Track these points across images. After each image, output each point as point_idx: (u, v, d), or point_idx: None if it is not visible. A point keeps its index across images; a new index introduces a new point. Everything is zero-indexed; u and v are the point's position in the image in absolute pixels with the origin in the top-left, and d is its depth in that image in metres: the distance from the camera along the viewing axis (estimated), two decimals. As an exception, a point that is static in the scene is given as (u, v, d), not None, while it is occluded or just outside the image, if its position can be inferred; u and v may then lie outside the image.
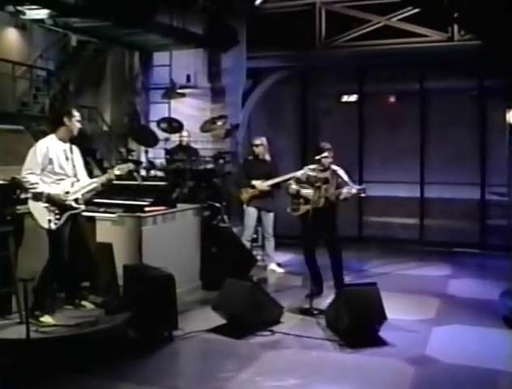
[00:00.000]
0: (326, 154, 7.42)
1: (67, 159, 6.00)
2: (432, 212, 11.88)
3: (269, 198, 9.04)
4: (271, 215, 9.11)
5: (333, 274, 7.55)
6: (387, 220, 12.22)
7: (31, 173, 5.78)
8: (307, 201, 7.37)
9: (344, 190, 7.18)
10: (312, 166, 7.57)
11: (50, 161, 5.87)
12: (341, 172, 7.51)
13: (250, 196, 9.00)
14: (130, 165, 6.47)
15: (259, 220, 9.19)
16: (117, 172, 6.22)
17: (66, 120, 6.02)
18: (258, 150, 9.07)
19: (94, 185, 6.15)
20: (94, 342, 5.58)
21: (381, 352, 5.72)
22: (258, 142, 9.10)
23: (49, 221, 5.75)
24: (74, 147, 6.16)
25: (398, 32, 11.42)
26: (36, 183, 5.76)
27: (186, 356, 5.96)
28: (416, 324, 6.60)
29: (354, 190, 7.16)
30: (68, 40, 13.64)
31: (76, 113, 6.09)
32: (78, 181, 6.05)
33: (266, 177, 8.94)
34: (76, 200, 5.97)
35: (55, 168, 5.90)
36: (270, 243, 9.20)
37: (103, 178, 6.23)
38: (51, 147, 5.92)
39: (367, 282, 6.92)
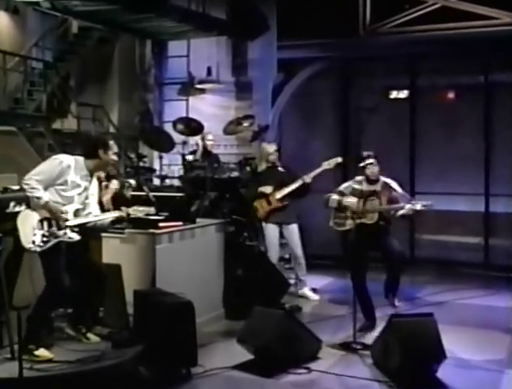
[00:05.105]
0: (371, 161, 7.41)
1: (85, 190, 6.07)
2: (499, 230, 11.77)
3: (290, 209, 9.06)
4: (294, 227, 9.08)
5: (386, 287, 7.64)
6: (444, 239, 12.13)
7: (36, 180, 5.80)
8: (354, 214, 7.34)
9: (407, 207, 7.14)
10: (358, 178, 7.58)
11: (65, 182, 5.93)
12: (394, 184, 7.51)
13: (267, 212, 8.98)
14: (152, 210, 6.52)
15: (283, 237, 9.17)
16: (131, 212, 6.31)
17: (101, 153, 6.09)
18: (274, 157, 9.13)
19: (101, 220, 6.22)
20: (99, 381, 5.58)
21: (440, 398, 5.69)
22: (274, 148, 9.17)
23: (33, 242, 5.77)
24: (94, 179, 6.27)
25: (458, 15, 11.37)
26: (37, 188, 5.77)
27: (207, 397, 5.98)
28: (483, 365, 6.49)
29: (418, 206, 7.09)
30: (68, 27, 13.84)
31: (114, 146, 6.22)
32: (84, 210, 6.10)
33: (281, 187, 8.95)
34: (72, 228, 5.96)
35: (66, 191, 5.94)
36: (301, 266, 9.15)
37: (113, 215, 6.30)
38: (73, 169, 5.98)
39: (421, 312, 6.89)
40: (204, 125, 10.40)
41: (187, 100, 11.97)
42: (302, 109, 12.96)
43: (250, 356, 6.36)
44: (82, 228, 6.06)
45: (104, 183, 7.09)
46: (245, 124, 10.59)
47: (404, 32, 11.89)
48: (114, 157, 6.28)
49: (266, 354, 6.20)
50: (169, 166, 11.06)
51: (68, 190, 5.96)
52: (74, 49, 13.69)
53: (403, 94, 12.60)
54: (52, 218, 5.84)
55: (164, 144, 10.36)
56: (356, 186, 7.54)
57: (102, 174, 6.98)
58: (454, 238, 12.06)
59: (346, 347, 6.84)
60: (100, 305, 6.73)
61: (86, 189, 6.10)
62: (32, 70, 13.52)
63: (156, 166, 10.97)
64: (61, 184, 5.92)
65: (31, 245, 5.79)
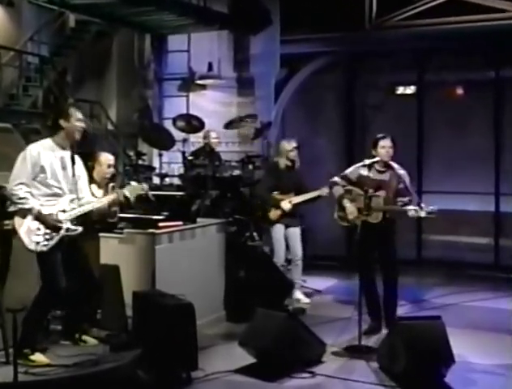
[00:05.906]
0: (384, 143, 7.33)
1: (64, 168, 5.95)
2: (509, 230, 11.77)
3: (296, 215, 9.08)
4: (297, 230, 9.06)
5: (384, 304, 7.55)
6: (453, 239, 12.13)
7: (20, 184, 5.73)
8: (359, 210, 7.32)
9: (411, 212, 7.10)
10: (367, 162, 7.40)
11: (42, 169, 5.83)
12: (404, 174, 7.43)
13: (279, 215, 8.94)
14: (145, 187, 6.49)
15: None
16: (126, 193, 6.28)
17: (62, 122, 5.97)
18: (294, 154, 8.96)
19: (96, 206, 6.15)
20: (97, 385, 5.58)
21: (449, 403, 5.68)
22: (294, 144, 8.94)
23: (37, 243, 5.74)
24: (77, 158, 6.14)
25: (467, 8, 11.33)
26: (25, 198, 5.73)
27: (208, 402, 5.98)
28: (493, 369, 6.48)
29: (423, 214, 7.05)
30: (65, 20, 13.81)
31: (75, 113, 6.03)
32: (79, 198, 6.02)
33: (296, 189, 8.89)
34: (72, 221, 5.91)
35: (48, 178, 5.86)
36: (299, 267, 9.11)
37: (108, 198, 6.27)
38: (44, 153, 5.88)
39: (429, 315, 6.88)
40: (205, 122, 10.40)
41: (187, 96, 11.97)
42: (306, 105, 12.95)
43: (252, 360, 6.36)
44: (82, 219, 6.02)
45: (110, 185, 7.08)
46: (248, 121, 10.56)
47: (412, 25, 11.86)
48: (79, 123, 6.03)
49: (269, 357, 6.20)
50: (169, 164, 11.07)
51: (48, 177, 5.86)
52: (71, 44, 13.65)
53: (410, 90, 12.59)
54: (46, 225, 5.79)
55: (164, 142, 10.37)
56: (364, 173, 7.42)
57: (107, 175, 6.96)
58: (462, 239, 12.05)
59: (351, 350, 6.84)
60: (97, 307, 6.73)
61: (64, 168, 5.94)
62: (27, 65, 13.45)
63: (156, 164, 10.96)
64: (40, 172, 5.82)
65: (38, 247, 5.75)
